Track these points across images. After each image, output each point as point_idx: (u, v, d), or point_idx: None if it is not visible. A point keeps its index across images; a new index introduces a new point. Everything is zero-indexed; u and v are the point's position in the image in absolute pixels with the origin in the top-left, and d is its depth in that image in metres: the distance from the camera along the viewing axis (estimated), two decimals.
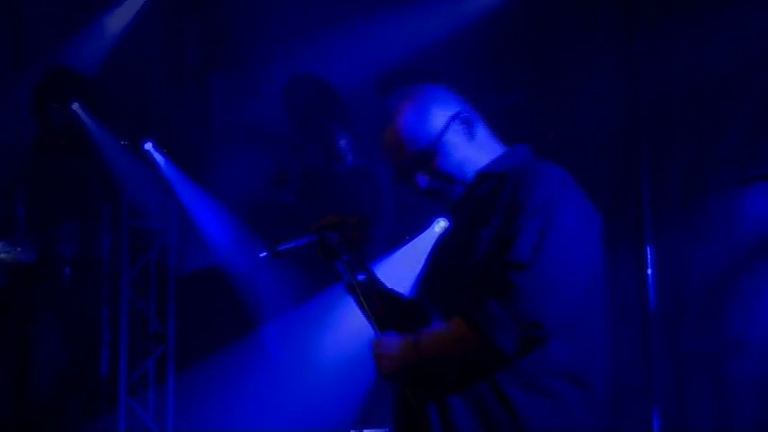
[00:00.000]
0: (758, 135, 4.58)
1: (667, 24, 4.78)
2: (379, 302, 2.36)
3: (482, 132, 2.38)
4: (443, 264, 2.30)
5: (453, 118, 2.34)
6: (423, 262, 2.37)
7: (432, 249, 2.40)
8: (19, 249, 5.66)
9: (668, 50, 4.79)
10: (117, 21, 6.14)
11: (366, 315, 2.33)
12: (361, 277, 2.36)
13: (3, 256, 5.58)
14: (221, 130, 6.61)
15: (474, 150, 2.35)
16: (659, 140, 4.75)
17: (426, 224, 4.51)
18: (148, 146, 6.03)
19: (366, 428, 3.97)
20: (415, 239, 4.47)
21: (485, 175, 2.32)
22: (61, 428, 5.78)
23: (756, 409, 4.36)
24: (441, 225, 4.27)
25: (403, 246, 4.57)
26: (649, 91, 4.77)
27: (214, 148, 6.43)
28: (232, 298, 5.59)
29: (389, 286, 2.41)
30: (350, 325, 4.01)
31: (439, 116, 2.34)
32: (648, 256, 4.55)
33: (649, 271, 4.56)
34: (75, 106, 5.98)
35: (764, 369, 4.37)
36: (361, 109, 5.35)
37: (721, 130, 4.65)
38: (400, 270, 3.89)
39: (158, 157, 6.04)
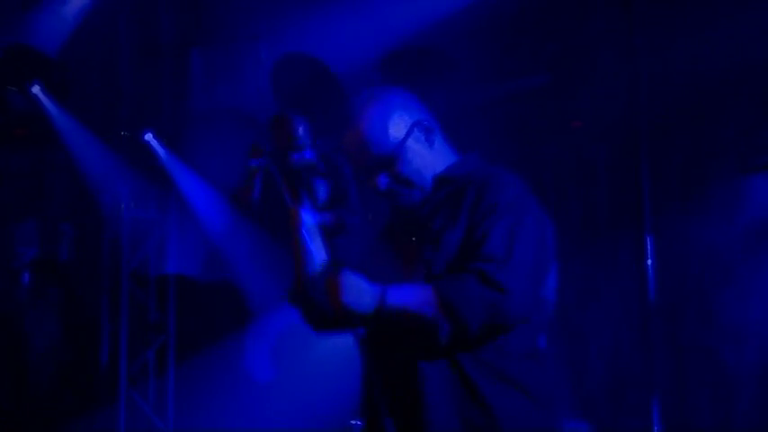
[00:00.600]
0: (759, 125, 4.69)
1: (669, 13, 4.94)
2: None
3: (440, 139, 2.53)
4: (402, 266, 2.42)
5: (415, 125, 2.48)
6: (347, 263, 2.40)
7: (370, 251, 2.56)
8: None
9: (669, 39, 4.94)
10: None
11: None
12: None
13: None
14: (201, 115, 6.35)
15: (432, 157, 2.50)
16: (659, 130, 4.87)
17: None
18: (149, 137, 6.00)
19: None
20: None
21: (444, 179, 2.49)
22: (62, 420, 5.83)
23: (755, 400, 4.51)
24: None
25: None
26: (649, 81, 4.88)
27: (193, 135, 6.25)
28: (232, 288, 5.71)
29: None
30: None
31: (402, 123, 2.48)
32: (648, 247, 4.64)
33: (649, 262, 4.66)
34: (36, 89, 5.79)
35: (764, 359, 4.51)
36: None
37: (722, 120, 4.78)
38: None
39: (158, 148, 6.05)
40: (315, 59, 5.71)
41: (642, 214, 4.69)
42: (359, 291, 2.27)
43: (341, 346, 4.16)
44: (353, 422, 4.13)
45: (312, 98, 5.61)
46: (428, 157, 2.49)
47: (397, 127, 2.47)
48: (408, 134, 2.47)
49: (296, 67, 5.84)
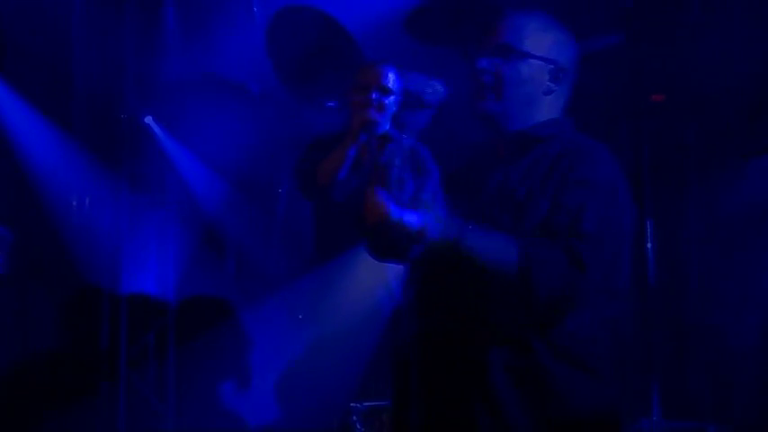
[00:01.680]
0: (759, 109, 5.00)
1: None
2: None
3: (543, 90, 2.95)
4: (489, 214, 2.70)
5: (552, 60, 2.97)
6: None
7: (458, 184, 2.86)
8: None
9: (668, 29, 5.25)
10: None
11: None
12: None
13: None
14: (175, 85, 6.13)
15: (532, 100, 2.90)
16: (659, 113, 5.19)
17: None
18: (149, 119, 6.02)
19: (367, 402, 4.27)
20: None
21: (532, 138, 2.80)
22: (61, 403, 6.04)
23: (756, 384, 4.82)
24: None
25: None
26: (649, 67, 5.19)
27: (166, 109, 6.09)
28: (234, 269, 6.09)
29: None
30: (348, 297, 4.44)
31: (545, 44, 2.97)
32: (648, 231, 4.92)
33: (649, 245, 4.92)
34: None
35: (764, 343, 4.84)
36: (381, 54, 4.87)
37: (723, 104, 5.08)
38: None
39: (157, 130, 6.09)
40: (322, 13, 5.47)
41: (642, 198, 4.98)
42: (438, 218, 2.52)
43: (345, 329, 4.62)
44: (353, 404, 4.31)
45: (320, 63, 5.52)
46: (531, 97, 2.81)
47: (540, 44, 2.84)
48: (542, 57, 2.82)
49: (299, 24, 5.59)
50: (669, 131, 5.45)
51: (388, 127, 4.17)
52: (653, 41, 5.30)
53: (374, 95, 4.08)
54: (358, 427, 4.42)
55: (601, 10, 5.35)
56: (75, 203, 6.20)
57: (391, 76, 4.27)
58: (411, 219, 2.63)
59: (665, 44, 5.28)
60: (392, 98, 4.21)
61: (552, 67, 2.93)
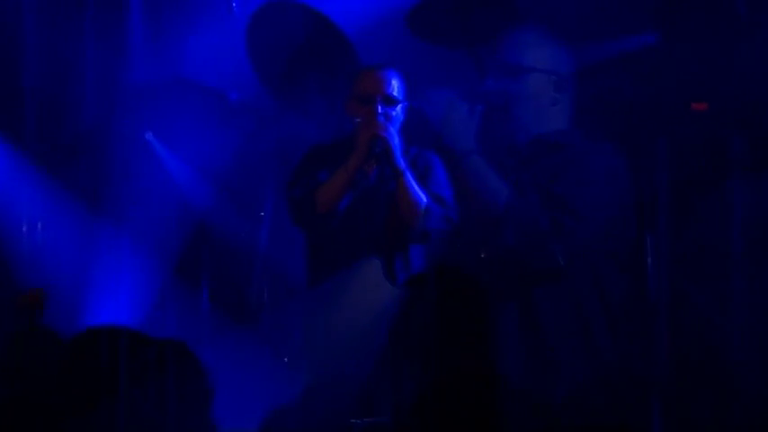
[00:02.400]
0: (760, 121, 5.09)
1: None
2: None
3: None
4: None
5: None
6: None
7: None
8: None
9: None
10: None
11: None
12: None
13: None
14: (141, 89, 6.07)
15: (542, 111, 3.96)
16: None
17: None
18: (149, 136, 5.96)
19: (367, 419, 4.42)
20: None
21: (553, 144, 3.93)
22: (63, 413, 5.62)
23: (758, 398, 4.96)
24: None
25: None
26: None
27: (130, 121, 6.00)
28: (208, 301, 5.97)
29: None
30: (347, 312, 4.56)
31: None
32: (648, 245, 5.00)
33: (649, 260, 5.04)
34: None
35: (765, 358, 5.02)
36: (376, 53, 5.16)
37: (722, 116, 5.18)
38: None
39: (161, 149, 6.04)
40: (309, 9, 5.43)
41: (642, 212, 5.03)
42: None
43: (338, 345, 4.64)
44: (354, 421, 4.52)
45: (307, 65, 5.49)
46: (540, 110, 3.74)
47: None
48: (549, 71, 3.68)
49: (283, 21, 5.52)
50: (711, 144, 5.36)
51: (397, 140, 4.23)
52: (692, 42, 5.23)
53: (380, 108, 4.18)
54: None
55: (632, 6, 5.35)
56: (24, 229, 6.10)
57: (395, 83, 4.35)
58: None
59: (706, 45, 5.18)
60: (399, 107, 4.28)
61: (555, 78, 3.46)
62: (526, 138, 4.13)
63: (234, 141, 5.83)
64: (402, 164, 4.26)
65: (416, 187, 4.28)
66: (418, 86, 4.61)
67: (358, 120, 4.35)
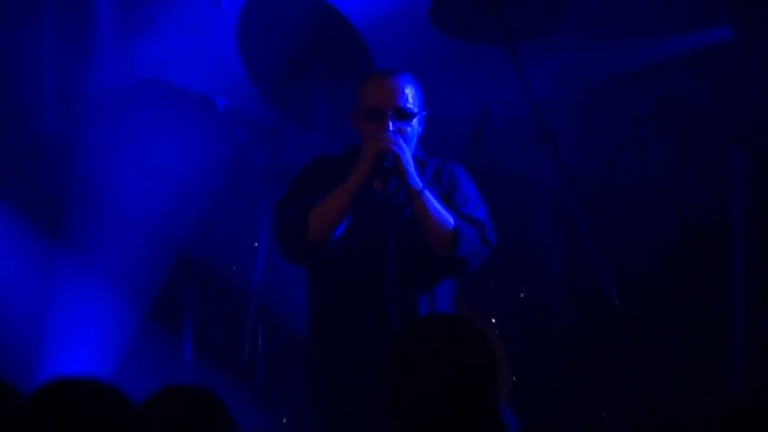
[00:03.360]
0: None
1: None
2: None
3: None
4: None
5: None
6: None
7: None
8: None
9: None
10: None
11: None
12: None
13: None
14: (112, 95, 5.96)
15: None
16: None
17: None
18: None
19: None
20: None
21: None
22: None
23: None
24: None
25: None
26: None
27: (96, 133, 5.82)
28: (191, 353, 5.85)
29: None
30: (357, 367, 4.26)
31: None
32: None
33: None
34: None
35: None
36: (393, 52, 5.20)
37: None
38: None
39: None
40: (313, 1, 5.38)
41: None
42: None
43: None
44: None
45: (309, 68, 5.41)
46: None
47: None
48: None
49: (281, 16, 5.41)
50: None
51: (411, 155, 4.00)
52: None
53: (391, 125, 3.96)
54: None
55: None
56: None
57: (410, 92, 4.13)
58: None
59: None
60: (415, 121, 4.07)
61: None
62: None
63: (222, 156, 5.73)
64: (418, 181, 3.95)
65: (439, 206, 3.97)
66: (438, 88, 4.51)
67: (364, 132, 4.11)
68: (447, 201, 4.14)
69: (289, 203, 4.17)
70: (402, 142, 3.98)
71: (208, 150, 5.74)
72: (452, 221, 3.97)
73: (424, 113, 4.15)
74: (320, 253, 4.05)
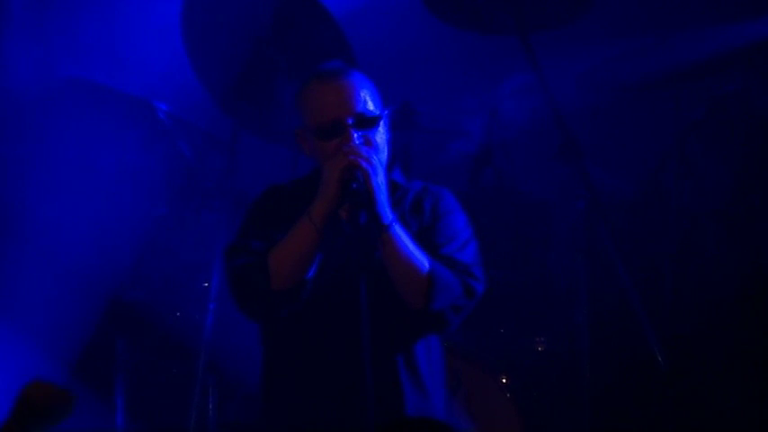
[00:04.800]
0: None
1: None
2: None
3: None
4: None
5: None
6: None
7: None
8: None
9: None
10: None
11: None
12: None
13: None
14: (31, 97, 5.83)
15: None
16: None
17: None
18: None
19: None
20: None
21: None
22: None
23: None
24: None
25: None
26: None
27: (5, 146, 5.68)
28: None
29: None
30: None
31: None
32: None
33: None
34: None
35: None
36: (378, 43, 5.26)
37: None
38: None
39: None
40: None
41: None
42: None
43: None
44: None
45: (277, 65, 5.26)
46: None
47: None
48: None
49: (238, 2, 5.38)
50: None
51: (383, 176, 3.70)
52: None
53: (354, 132, 3.69)
54: None
55: None
56: None
57: (366, 93, 3.85)
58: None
59: None
60: (381, 125, 3.81)
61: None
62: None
63: (164, 174, 5.61)
64: (387, 212, 3.62)
65: (411, 246, 3.64)
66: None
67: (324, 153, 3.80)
68: (427, 237, 3.82)
69: (242, 247, 3.83)
70: (374, 158, 3.65)
71: (146, 166, 5.65)
72: (427, 265, 3.63)
73: (388, 112, 3.85)
74: (290, 302, 3.71)
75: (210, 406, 5.19)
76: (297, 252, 3.70)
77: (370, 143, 3.73)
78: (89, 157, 5.72)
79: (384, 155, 3.81)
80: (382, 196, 3.59)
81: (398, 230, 3.59)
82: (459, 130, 5.62)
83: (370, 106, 3.76)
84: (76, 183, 5.74)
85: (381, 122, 3.79)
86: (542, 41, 4.77)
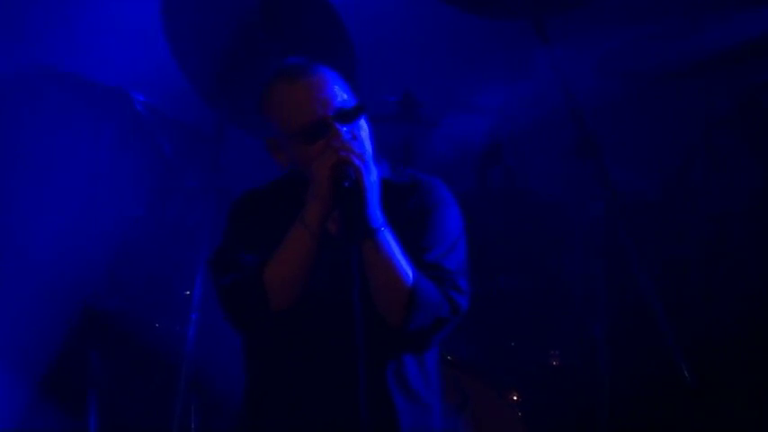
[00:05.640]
0: None
1: None
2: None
3: None
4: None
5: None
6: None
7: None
8: None
9: None
10: None
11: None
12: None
13: None
14: (9, 85, 5.75)
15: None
16: None
17: None
18: None
19: None
20: None
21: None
22: None
23: None
24: None
25: None
26: None
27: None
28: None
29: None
30: None
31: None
32: None
33: None
34: None
35: None
36: (378, 28, 5.16)
37: None
38: None
39: None
40: None
41: None
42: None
43: None
44: None
45: (268, 53, 5.25)
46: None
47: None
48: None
49: None
50: None
51: (375, 175, 3.58)
52: None
53: (340, 127, 3.62)
54: None
55: None
56: None
57: (337, 87, 3.78)
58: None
59: None
60: (361, 117, 3.72)
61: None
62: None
63: (141, 173, 5.43)
64: (377, 215, 3.51)
65: (399, 255, 3.53)
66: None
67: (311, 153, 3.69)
68: (412, 237, 3.66)
69: (231, 262, 3.71)
70: (368, 155, 3.56)
71: (122, 164, 5.42)
72: (411, 278, 3.52)
73: (361, 102, 3.72)
74: (287, 321, 3.58)
75: (193, 426, 5.14)
76: (295, 264, 3.60)
77: (355, 137, 3.58)
78: (58, 154, 5.73)
79: (369, 149, 3.67)
80: (374, 197, 3.49)
81: (387, 236, 3.51)
82: (464, 125, 5.66)
83: (346, 97, 3.64)
84: (44, 182, 5.75)
85: (362, 114, 3.67)
86: (557, 25, 4.70)
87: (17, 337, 5.79)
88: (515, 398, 4.83)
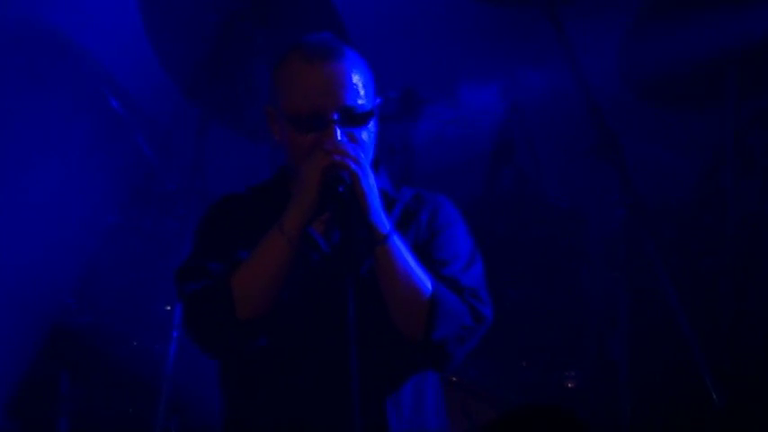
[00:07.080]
0: None
1: None
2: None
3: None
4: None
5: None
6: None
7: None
8: None
9: None
10: None
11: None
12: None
13: None
14: None
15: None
16: None
17: None
18: None
19: None
20: None
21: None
22: None
23: None
24: None
25: None
26: None
27: None
28: None
29: None
30: None
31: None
32: None
33: None
34: None
35: None
36: (377, 17, 5.24)
37: None
38: None
39: None
40: None
41: None
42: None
43: None
44: None
45: (254, 44, 5.37)
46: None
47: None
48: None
49: None
50: None
51: (374, 178, 3.62)
52: None
53: (338, 130, 3.60)
54: None
55: None
56: None
57: (359, 81, 3.73)
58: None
59: None
60: (371, 123, 3.72)
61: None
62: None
63: (116, 175, 5.39)
64: (384, 220, 3.53)
65: (412, 262, 3.56)
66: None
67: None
68: (424, 255, 3.64)
69: (197, 269, 3.65)
70: (363, 158, 3.54)
71: (95, 165, 5.37)
72: (429, 286, 3.53)
73: (378, 103, 3.70)
74: (257, 334, 3.55)
75: None
76: (267, 271, 3.57)
77: (355, 140, 3.60)
78: (24, 155, 5.77)
79: (370, 155, 3.69)
80: (376, 201, 3.48)
81: (398, 242, 3.47)
82: (471, 123, 5.74)
83: (362, 100, 3.61)
84: (8, 186, 5.77)
85: (372, 120, 3.66)
86: (573, 14, 4.72)
87: None
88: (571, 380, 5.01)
